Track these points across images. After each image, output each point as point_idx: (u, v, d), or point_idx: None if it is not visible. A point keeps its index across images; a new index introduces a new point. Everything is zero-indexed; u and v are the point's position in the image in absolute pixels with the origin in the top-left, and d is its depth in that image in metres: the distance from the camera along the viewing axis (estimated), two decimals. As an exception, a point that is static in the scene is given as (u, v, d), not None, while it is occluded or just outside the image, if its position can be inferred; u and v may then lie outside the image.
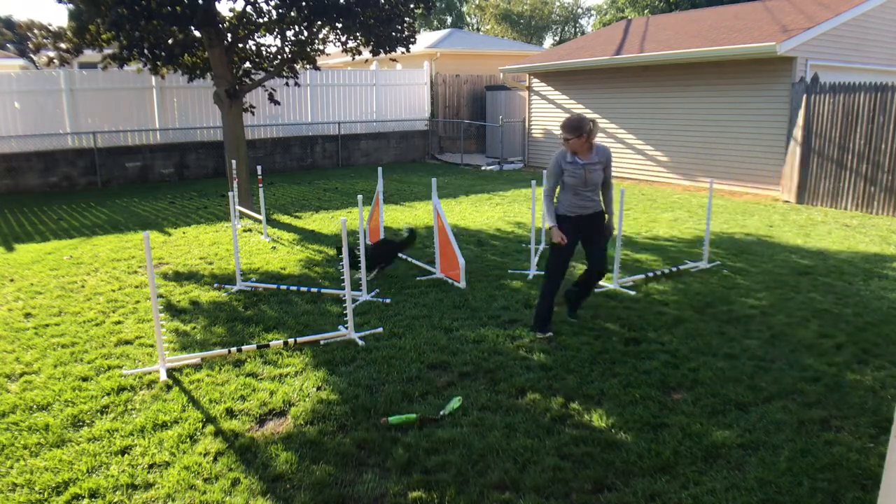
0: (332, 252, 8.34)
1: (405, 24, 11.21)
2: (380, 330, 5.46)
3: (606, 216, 5.30)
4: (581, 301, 5.68)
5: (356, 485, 3.34)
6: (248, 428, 3.94)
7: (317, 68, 12.13)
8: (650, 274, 6.99)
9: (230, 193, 7.24)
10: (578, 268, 6.70)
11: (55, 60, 10.64)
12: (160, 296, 6.46)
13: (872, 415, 3.98)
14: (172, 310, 6.11)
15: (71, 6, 9.93)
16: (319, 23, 10.73)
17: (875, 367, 4.69)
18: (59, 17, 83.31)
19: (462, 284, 6.63)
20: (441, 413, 3.94)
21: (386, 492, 3.28)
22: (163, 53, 10.66)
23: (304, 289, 6.57)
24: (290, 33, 11.27)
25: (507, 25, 47.82)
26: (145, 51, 10.54)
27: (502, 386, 4.40)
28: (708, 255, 7.46)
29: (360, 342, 5.18)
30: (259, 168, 9.83)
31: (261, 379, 4.59)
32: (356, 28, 10.75)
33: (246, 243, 8.92)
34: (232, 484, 3.37)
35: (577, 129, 4.98)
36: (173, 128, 15.89)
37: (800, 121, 11.60)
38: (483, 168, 17.62)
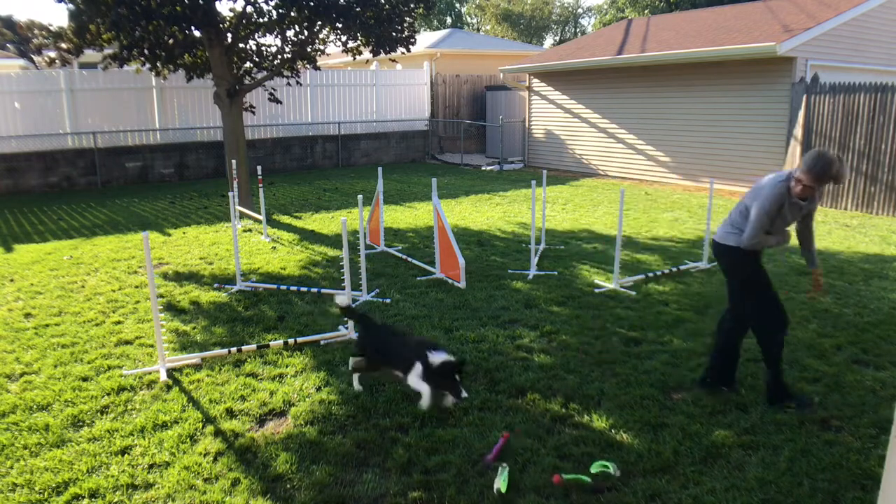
0: (332, 253, 8.34)
1: (405, 24, 11.22)
2: (380, 330, 5.46)
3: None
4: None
5: (356, 485, 3.34)
6: (248, 428, 3.94)
7: (317, 68, 12.13)
8: (650, 274, 6.99)
9: (230, 193, 7.24)
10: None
11: (57, 61, 10.65)
12: (160, 296, 6.46)
13: (872, 415, 3.98)
14: (172, 310, 6.11)
15: (71, 6, 9.93)
16: (320, 23, 10.73)
17: (875, 367, 4.69)
18: (59, 17, 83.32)
19: (462, 284, 6.63)
20: (496, 487, 3.23)
21: (386, 492, 3.28)
22: (163, 53, 10.66)
23: (304, 289, 6.57)
24: (290, 33, 11.28)
25: (507, 25, 47.81)
26: (145, 51, 10.54)
27: (502, 386, 4.40)
28: (708, 255, 7.45)
29: (360, 342, 5.18)
30: (259, 168, 9.83)
31: (261, 379, 4.59)
32: (356, 28, 10.76)
33: (246, 243, 8.92)
34: (232, 484, 3.37)
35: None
36: (173, 128, 15.89)
37: (800, 121, 11.60)
38: (483, 168, 17.62)
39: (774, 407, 4.05)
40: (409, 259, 7.77)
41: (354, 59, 11.89)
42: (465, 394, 3.86)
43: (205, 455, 3.63)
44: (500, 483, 3.21)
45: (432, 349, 3.93)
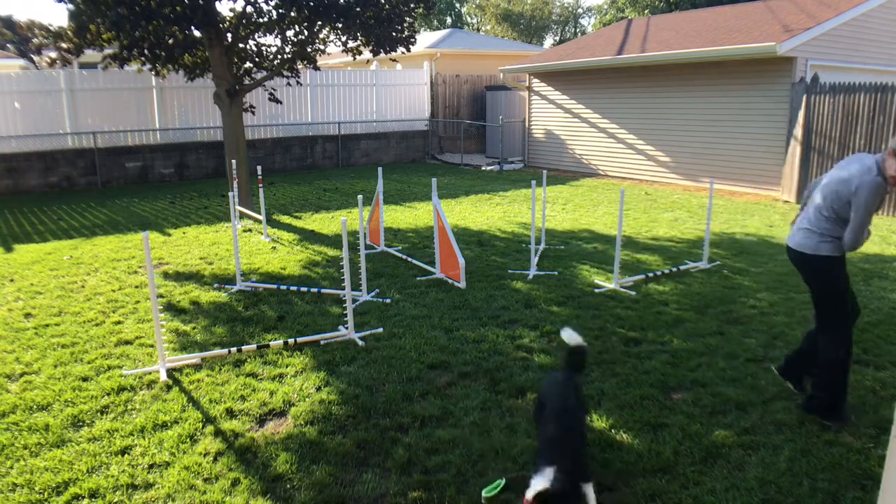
0: (332, 253, 8.34)
1: (405, 24, 11.23)
2: (380, 330, 5.46)
3: None
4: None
5: (356, 485, 3.34)
6: (248, 428, 3.94)
7: (317, 68, 12.14)
8: (650, 274, 6.99)
9: (230, 193, 7.24)
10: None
11: (57, 61, 10.65)
12: (160, 296, 6.46)
13: (872, 415, 3.98)
14: (172, 310, 6.11)
15: (71, 6, 9.93)
16: (320, 23, 10.74)
17: (875, 367, 4.69)
18: (59, 17, 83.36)
19: (462, 284, 6.63)
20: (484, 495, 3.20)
21: (386, 492, 3.28)
22: (163, 53, 10.66)
23: (304, 289, 6.57)
24: (290, 33, 11.28)
25: (507, 25, 47.81)
26: (145, 51, 10.55)
27: (502, 386, 4.40)
28: (708, 255, 7.46)
29: (360, 342, 5.18)
30: (259, 168, 9.83)
31: (261, 379, 4.59)
32: (356, 28, 10.77)
33: (246, 243, 8.92)
34: (232, 484, 3.37)
35: None
36: (173, 128, 15.89)
37: (800, 121, 11.60)
38: (483, 168, 17.62)
39: (810, 414, 3.90)
40: (409, 259, 7.77)
41: (354, 59, 11.89)
42: None
43: (205, 455, 3.63)
44: (490, 490, 3.17)
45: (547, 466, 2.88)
